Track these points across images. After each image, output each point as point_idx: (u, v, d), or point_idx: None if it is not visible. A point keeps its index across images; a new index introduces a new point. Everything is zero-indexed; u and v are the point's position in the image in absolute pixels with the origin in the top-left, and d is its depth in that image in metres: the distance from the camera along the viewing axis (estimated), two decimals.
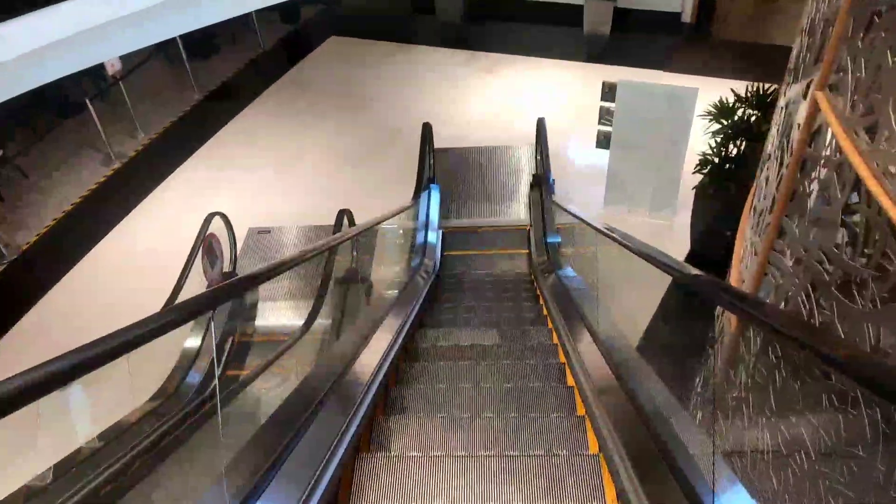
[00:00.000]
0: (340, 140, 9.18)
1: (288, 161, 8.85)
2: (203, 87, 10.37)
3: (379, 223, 5.05)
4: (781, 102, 3.23)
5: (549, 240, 6.26)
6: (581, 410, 3.13)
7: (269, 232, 7.39)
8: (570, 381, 3.57)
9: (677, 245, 6.79)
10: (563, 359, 3.95)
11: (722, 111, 5.90)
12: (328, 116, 9.77)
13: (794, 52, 3.10)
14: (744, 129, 5.71)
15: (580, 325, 3.76)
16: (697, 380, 2.83)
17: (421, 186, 6.07)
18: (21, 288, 7.13)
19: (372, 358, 3.38)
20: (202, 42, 11.36)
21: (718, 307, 2.46)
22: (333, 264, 5.62)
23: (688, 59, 9.91)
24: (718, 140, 5.96)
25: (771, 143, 3.31)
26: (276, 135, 9.45)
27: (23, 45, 5.72)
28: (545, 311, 4.99)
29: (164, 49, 10.77)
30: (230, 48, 11.67)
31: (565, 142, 8.48)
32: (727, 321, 3.01)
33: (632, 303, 4.90)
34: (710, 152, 6.11)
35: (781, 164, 2.82)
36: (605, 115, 6.71)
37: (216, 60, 11.30)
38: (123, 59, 8.83)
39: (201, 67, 10.90)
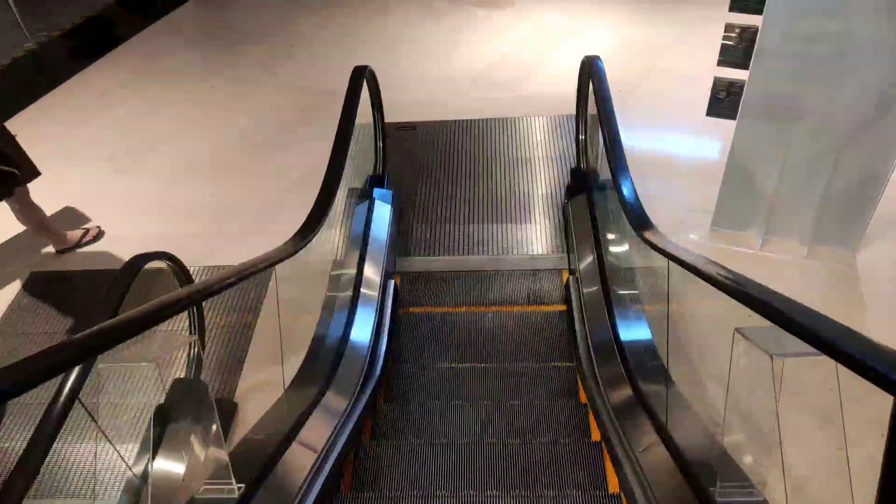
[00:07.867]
0: (242, 113, 5.59)
1: (147, 144, 5.27)
2: (41, 29, 6.71)
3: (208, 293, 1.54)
4: None
5: (627, 335, 2.73)
6: None
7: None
8: None
9: (872, 315, 3.35)
10: None
11: None
12: (229, 75, 6.18)
13: None
14: None
15: None
16: None
17: (329, 201, 2.57)
18: None
19: None
20: None
21: None
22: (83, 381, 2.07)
23: None
24: None
25: None
26: (140, 101, 5.86)
27: None
28: None
29: None
30: None
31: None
32: None
33: None
34: None
35: None
36: (734, 48, 3.17)
37: None
38: None
39: (51, 2, 7.26)
